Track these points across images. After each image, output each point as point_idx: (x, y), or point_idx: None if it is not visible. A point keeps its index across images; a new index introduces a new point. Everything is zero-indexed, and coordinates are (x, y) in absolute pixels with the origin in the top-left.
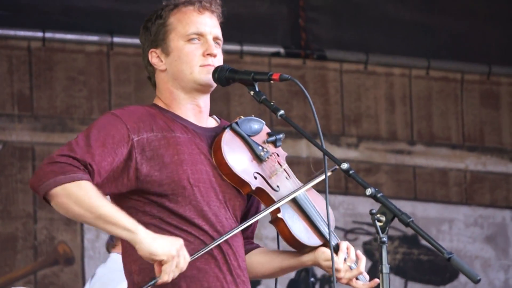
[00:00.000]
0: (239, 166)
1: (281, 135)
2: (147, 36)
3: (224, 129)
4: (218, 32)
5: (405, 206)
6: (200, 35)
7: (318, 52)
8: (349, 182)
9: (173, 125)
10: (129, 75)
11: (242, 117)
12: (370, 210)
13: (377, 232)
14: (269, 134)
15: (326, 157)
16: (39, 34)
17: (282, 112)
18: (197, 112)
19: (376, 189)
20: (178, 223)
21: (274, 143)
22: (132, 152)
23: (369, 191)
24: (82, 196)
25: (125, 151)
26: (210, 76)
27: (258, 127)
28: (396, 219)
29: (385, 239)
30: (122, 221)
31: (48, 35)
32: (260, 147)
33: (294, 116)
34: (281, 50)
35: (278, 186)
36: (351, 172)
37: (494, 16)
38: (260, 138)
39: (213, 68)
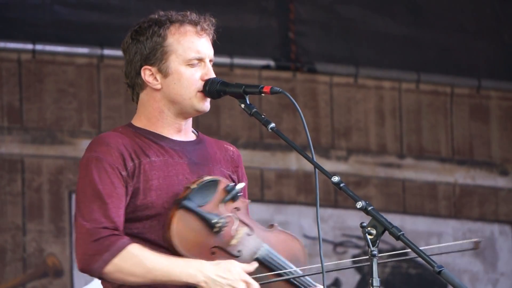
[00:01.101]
0: (194, 251)
1: (237, 189)
2: (139, 49)
3: (176, 206)
4: (212, 54)
5: (394, 219)
6: (200, 60)
7: (308, 65)
8: (339, 195)
9: (148, 148)
10: (119, 87)
11: (192, 186)
12: (361, 223)
13: (368, 245)
14: (226, 190)
15: (316, 170)
16: (29, 46)
17: (273, 125)
18: (179, 130)
19: (367, 202)
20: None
21: (233, 199)
22: (126, 187)
23: (360, 204)
24: (132, 267)
25: (124, 190)
26: (207, 104)
27: (212, 189)
28: (386, 232)
29: (375, 252)
30: (179, 277)
31: (38, 47)
32: (215, 217)
33: (284, 129)
34: (271, 63)
35: (239, 251)
36: (341, 185)
37: (483, 30)
38: (216, 199)
39: (208, 98)
